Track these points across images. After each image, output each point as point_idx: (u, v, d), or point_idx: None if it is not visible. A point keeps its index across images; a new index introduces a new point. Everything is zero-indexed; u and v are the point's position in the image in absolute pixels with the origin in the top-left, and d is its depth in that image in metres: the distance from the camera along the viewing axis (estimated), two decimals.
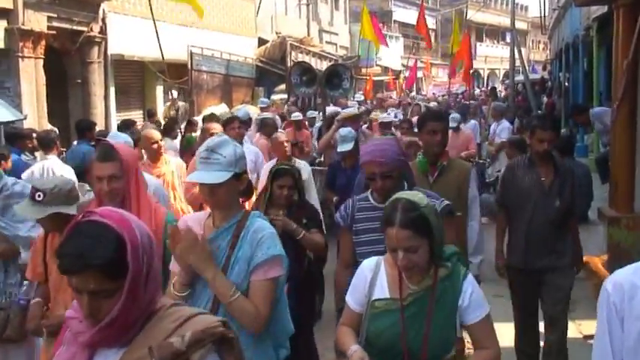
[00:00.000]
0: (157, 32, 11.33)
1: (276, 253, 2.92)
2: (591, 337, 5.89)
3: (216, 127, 7.25)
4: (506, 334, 4.86)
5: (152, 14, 11.87)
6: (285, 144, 7.31)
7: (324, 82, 12.34)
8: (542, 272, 5.01)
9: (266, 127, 10.06)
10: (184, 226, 3.05)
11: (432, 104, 18.86)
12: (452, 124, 11.15)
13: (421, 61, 43.20)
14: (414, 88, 43.00)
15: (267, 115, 12.53)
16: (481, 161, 11.59)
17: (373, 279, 2.92)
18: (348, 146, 7.39)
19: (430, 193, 3.62)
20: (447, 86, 29.93)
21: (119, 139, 5.34)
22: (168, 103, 16.08)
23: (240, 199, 3.14)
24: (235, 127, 7.55)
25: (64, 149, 9.43)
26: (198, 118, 12.30)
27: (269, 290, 2.90)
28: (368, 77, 30.88)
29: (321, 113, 12.92)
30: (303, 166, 7.02)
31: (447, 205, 3.63)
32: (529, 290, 5.11)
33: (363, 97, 23.27)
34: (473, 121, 14.04)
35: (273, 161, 7.03)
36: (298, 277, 4.71)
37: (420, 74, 44.55)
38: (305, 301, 4.88)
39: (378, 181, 3.56)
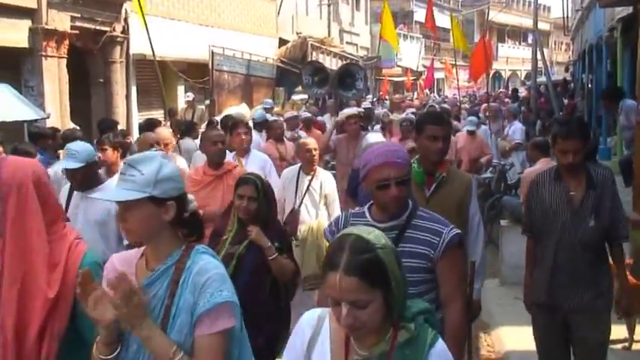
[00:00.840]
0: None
1: (224, 299, 2.34)
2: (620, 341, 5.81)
3: (160, 136, 6.58)
4: (528, 338, 4.61)
5: None
6: (314, 152, 6.53)
7: (337, 83, 11.83)
8: (572, 315, 4.14)
9: (270, 130, 9.47)
10: (112, 269, 2.49)
11: (445, 106, 18.56)
12: (469, 128, 11.14)
13: (441, 62, 43.03)
14: (435, 90, 42.87)
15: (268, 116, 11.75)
16: (502, 163, 11.51)
17: (313, 339, 2.24)
18: None
19: (435, 216, 3.12)
20: (465, 88, 29.80)
21: (78, 148, 4.81)
22: (185, 106, 16.12)
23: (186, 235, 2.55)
24: (241, 132, 6.78)
25: None
26: (218, 118, 12.34)
27: (217, 347, 2.35)
28: (383, 78, 30.88)
29: (330, 115, 12.56)
30: (328, 178, 6.60)
31: (456, 235, 3.04)
32: (554, 336, 4.27)
33: (375, 99, 22.85)
34: (483, 127, 13.16)
35: (294, 168, 6.71)
36: (264, 308, 4.29)
37: (440, 75, 44.38)
38: (268, 339, 4.27)
39: (392, 188, 2.99)
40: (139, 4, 9.53)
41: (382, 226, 2.93)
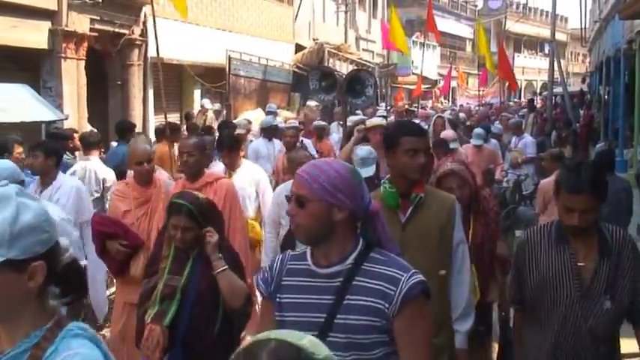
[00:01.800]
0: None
1: None
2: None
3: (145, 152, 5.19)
4: None
5: None
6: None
7: (345, 89, 11.08)
8: None
9: (283, 139, 9.20)
10: None
11: (461, 115, 18.08)
12: (475, 142, 10.44)
13: (456, 70, 42.94)
14: (450, 98, 42.77)
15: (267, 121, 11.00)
16: (517, 174, 11.46)
17: None
18: (368, 171, 5.80)
19: (393, 259, 2.36)
20: (478, 97, 29.69)
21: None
22: (197, 111, 16.21)
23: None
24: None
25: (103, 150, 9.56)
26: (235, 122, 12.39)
27: None
28: (399, 86, 30.74)
29: (337, 123, 12.24)
30: None
31: (417, 283, 2.28)
32: None
33: (389, 107, 22.46)
34: (493, 141, 12.08)
35: (288, 184, 5.68)
36: (212, 347, 3.77)
37: (454, 84, 44.29)
38: None
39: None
40: (152, 5, 9.51)
41: (324, 271, 2.33)
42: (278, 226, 5.69)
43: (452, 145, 8.71)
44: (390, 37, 22.39)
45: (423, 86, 38.92)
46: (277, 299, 2.41)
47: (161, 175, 6.04)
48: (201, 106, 15.65)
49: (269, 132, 10.24)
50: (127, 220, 4.99)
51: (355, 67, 23.84)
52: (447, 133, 9.45)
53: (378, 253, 2.37)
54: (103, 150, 9.44)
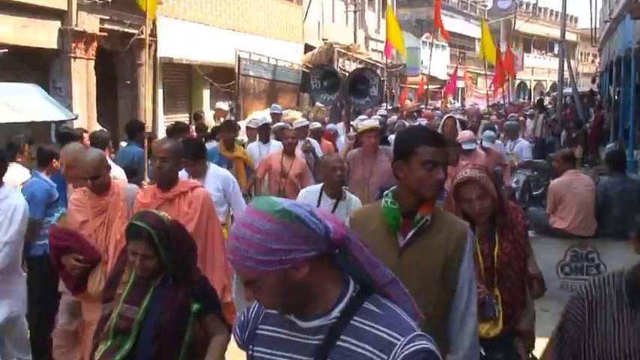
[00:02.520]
0: None
1: None
2: None
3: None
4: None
5: None
6: (339, 171, 5.45)
7: (348, 89, 10.66)
8: None
9: (282, 140, 8.85)
10: None
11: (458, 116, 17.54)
12: (485, 143, 9.96)
13: (467, 71, 42.86)
14: (459, 98, 42.69)
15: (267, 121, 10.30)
16: (527, 174, 11.38)
17: None
18: None
19: (391, 312, 1.82)
20: (486, 97, 29.54)
21: None
22: (213, 114, 16.08)
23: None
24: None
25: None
26: (242, 123, 12.34)
27: None
28: (408, 86, 30.58)
29: (344, 124, 11.62)
30: (357, 204, 5.46)
31: (418, 352, 1.71)
32: None
33: (390, 106, 21.81)
34: (498, 142, 11.65)
35: (313, 189, 5.70)
36: None
37: (462, 84, 44.16)
38: None
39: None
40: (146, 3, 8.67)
41: (304, 325, 1.84)
42: None
43: (467, 147, 8.19)
44: (388, 37, 22.10)
45: (432, 86, 38.96)
46: (250, 352, 1.96)
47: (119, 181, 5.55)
48: (218, 108, 15.47)
49: (264, 132, 9.76)
50: (84, 231, 4.65)
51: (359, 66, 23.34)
52: (464, 133, 8.86)
53: (374, 302, 1.82)
54: (112, 150, 9.46)
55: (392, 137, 10.77)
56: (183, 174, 5.49)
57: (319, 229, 1.76)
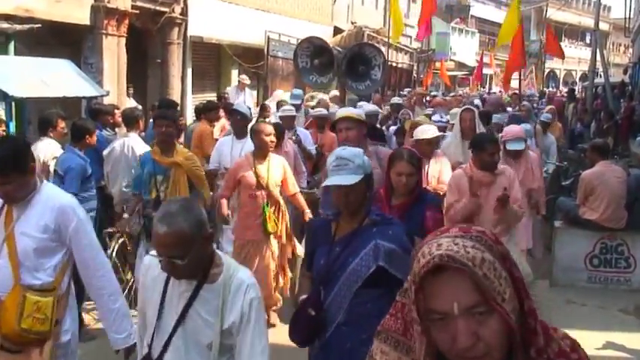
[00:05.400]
0: None
1: None
2: None
3: None
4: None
5: None
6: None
7: (345, 69, 8.90)
8: None
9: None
10: None
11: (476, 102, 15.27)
12: (515, 146, 6.81)
13: (495, 58, 42.40)
14: (486, 87, 42.30)
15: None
16: (558, 164, 11.23)
17: None
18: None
19: None
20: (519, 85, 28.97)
21: None
22: (235, 85, 15.90)
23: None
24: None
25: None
26: (272, 104, 12.33)
27: None
28: (436, 71, 30.10)
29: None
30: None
31: None
32: None
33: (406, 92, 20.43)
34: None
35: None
36: None
37: (490, 71, 43.66)
38: None
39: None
40: None
41: None
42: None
43: (514, 147, 6.63)
44: (391, 14, 21.61)
45: (460, 73, 38.64)
46: None
47: None
48: (239, 81, 15.31)
49: (289, 121, 8.60)
50: None
51: (396, 52, 21.00)
52: (512, 128, 7.13)
53: None
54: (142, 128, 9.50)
55: (393, 128, 9.84)
56: None
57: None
